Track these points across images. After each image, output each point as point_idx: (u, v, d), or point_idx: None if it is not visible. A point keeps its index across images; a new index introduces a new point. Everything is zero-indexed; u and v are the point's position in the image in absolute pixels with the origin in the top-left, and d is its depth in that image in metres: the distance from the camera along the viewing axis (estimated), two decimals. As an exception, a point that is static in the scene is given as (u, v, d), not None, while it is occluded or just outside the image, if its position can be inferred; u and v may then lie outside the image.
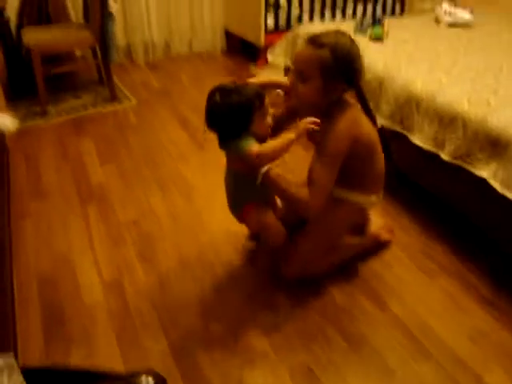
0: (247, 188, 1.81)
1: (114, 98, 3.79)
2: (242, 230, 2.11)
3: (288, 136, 1.67)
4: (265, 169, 1.71)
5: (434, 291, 2.04)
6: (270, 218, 1.88)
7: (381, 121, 2.46)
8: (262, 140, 1.68)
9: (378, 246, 2.26)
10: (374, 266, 2.17)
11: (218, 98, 1.62)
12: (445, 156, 2.13)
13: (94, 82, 4.13)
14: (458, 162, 2.07)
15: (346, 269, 2.14)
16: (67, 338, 1.82)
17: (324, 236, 2.00)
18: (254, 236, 2.14)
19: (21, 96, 3.76)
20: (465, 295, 2.01)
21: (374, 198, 1.99)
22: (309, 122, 1.66)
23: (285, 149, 1.66)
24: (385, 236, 2.27)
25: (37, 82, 3.44)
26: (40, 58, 3.38)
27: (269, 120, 1.71)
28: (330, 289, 2.04)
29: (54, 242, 2.30)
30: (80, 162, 2.94)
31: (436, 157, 2.18)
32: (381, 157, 1.93)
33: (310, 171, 1.77)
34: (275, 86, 1.83)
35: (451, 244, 2.28)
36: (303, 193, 1.72)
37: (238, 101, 1.60)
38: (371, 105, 2.49)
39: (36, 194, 2.63)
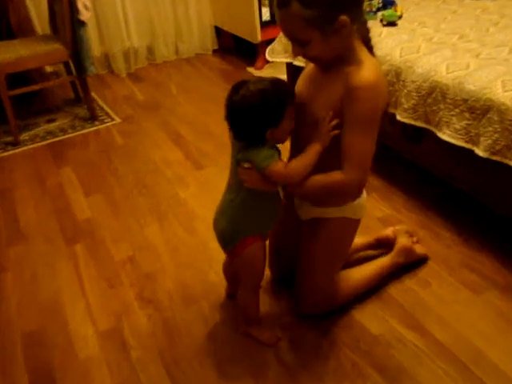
0: (259, 211, 1.82)
1: (94, 117, 3.84)
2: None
3: (314, 149, 1.69)
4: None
5: (481, 309, 2.03)
6: (264, 258, 1.90)
7: (402, 116, 2.47)
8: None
9: (412, 264, 2.26)
10: (409, 286, 2.17)
11: (251, 86, 1.61)
12: (480, 152, 2.13)
13: (70, 100, 4.20)
14: (497, 158, 2.07)
15: (377, 293, 2.15)
16: (62, 402, 1.83)
17: (328, 260, 1.99)
18: (232, 289, 2.15)
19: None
20: (520, 312, 2.01)
21: (361, 202, 1.93)
22: (330, 127, 1.67)
23: (313, 164, 1.69)
24: (419, 250, 2.27)
25: (4, 107, 3.49)
26: (5, 78, 3.42)
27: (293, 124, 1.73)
28: (360, 318, 2.04)
29: (38, 291, 2.32)
30: (62, 195, 2.98)
31: (470, 153, 2.18)
32: None
33: (346, 146, 1.66)
34: None
35: (498, 253, 2.28)
36: (334, 178, 1.68)
37: (275, 91, 1.62)
38: (390, 100, 2.53)
39: (15, 238, 2.66)
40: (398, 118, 2.50)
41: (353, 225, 1.97)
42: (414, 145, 2.62)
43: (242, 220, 1.82)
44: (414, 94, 2.40)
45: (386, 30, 2.80)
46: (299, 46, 1.62)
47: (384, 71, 2.54)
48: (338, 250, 2.01)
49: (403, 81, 2.45)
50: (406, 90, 2.44)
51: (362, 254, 2.30)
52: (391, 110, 2.54)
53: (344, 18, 1.54)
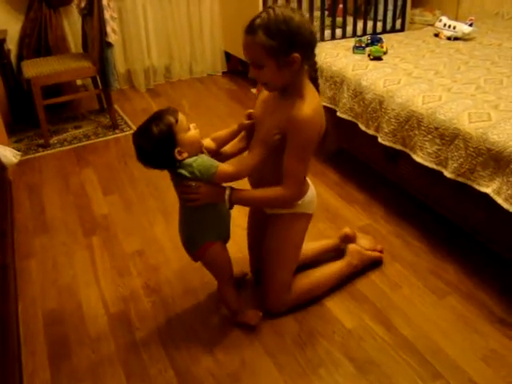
0: (204, 221, 1.85)
1: (115, 126, 3.87)
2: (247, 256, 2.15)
3: (258, 150, 1.78)
4: (227, 192, 1.78)
5: (444, 312, 2.05)
6: (226, 257, 1.93)
7: (383, 139, 2.51)
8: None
9: (373, 265, 2.31)
10: (381, 287, 2.19)
11: (139, 139, 1.70)
12: (448, 173, 2.16)
13: (96, 110, 4.24)
14: (462, 180, 2.11)
15: (352, 291, 2.18)
16: (74, 373, 1.85)
17: (283, 257, 2.01)
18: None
19: (23, 128, 3.85)
20: (477, 315, 2.03)
21: (309, 198, 1.97)
22: (272, 135, 1.74)
23: (257, 162, 1.78)
24: (371, 254, 2.30)
25: (38, 113, 3.53)
26: (40, 89, 3.47)
27: (193, 132, 1.76)
28: (336, 313, 2.07)
29: (58, 276, 2.35)
30: (83, 193, 3.01)
31: (440, 174, 2.22)
32: None
33: (285, 167, 1.76)
34: (245, 127, 1.94)
35: (461, 263, 2.30)
36: (275, 192, 1.80)
37: (158, 126, 1.68)
38: (373, 125, 2.57)
39: (40, 229, 2.69)
40: (380, 140, 2.53)
41: (304, 218, 1.99)
42: (392, 165, 2.66)
43: (192, 232, 1.89)
44: (394, 120, 2.43)
45: (372, 63, 2.83)
46: (256, 68, 1.70)
47: (369, 99, 2.58)
48: (292, 242, 2.01)
49: (385, 108, 2.48)
50: (387, 117, 2.47)
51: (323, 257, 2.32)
52: (374, 133, 2.58)
53: (297, 55, 1.63)
